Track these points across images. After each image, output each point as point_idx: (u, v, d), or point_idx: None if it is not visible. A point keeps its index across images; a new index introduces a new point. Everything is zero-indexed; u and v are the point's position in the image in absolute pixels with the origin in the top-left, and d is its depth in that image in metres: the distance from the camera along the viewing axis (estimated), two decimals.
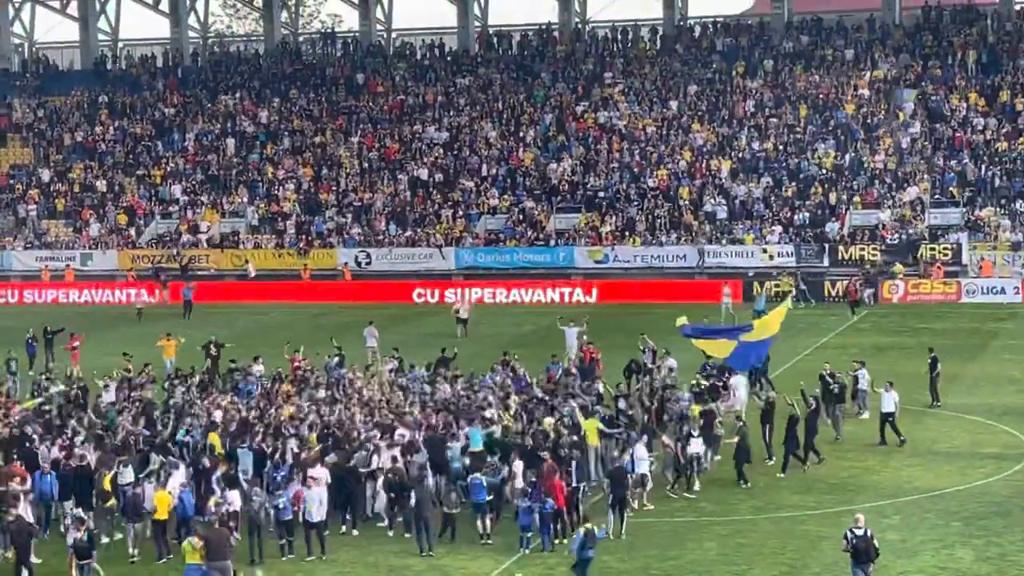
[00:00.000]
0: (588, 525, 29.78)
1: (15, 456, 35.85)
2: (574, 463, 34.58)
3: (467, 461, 35.50)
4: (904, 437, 41.23)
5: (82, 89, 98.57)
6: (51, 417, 40.32)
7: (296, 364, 47.93)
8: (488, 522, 33.30)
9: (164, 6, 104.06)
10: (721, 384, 43.26)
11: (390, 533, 34.05)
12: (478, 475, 33.80)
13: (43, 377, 47.48)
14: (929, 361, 46.52)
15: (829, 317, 63.92)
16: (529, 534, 32.43)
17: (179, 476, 34.09)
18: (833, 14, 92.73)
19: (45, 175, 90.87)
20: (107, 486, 33.80)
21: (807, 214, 75.51)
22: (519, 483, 33.78)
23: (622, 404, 40.62)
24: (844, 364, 46.34)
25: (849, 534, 28.55)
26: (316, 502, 32.26)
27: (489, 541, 32.88)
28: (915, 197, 75.13)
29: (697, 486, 36.77)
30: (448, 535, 33.11)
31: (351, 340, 54.96)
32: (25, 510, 31.97)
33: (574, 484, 33.94)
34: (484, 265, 77.92)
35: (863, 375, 44.26)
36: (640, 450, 35.75)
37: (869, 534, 28.52)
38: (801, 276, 69.85)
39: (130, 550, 32.70)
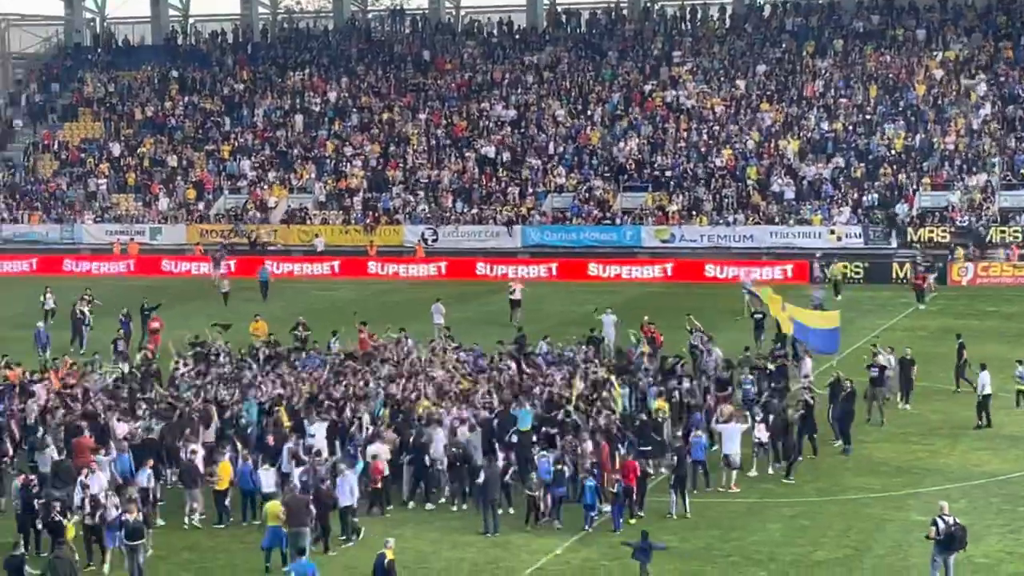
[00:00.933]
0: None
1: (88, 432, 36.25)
2: (635, 441, 34.81)
3: (514, 439, 35.56)
4: (988, 422, 41.04)
5: (153, 64, 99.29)
6: (122, 393, 40.67)
7: (364, 339, 48.13)
8: (550, 501, 33.30)
9: None
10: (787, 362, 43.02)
11: (453, 509, 34.24)
12: (545, 453, 33.85)
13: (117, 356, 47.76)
14: (956, 347, 46.12)
15: (898, 300, 63.43)
16: (594, 513, 32.48)
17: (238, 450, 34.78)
18: None
19: (116, 149, 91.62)
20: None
21: (876, 195, 75.01)
22: (587, 463, 33.83)
23: (686, 384, 40.67)
24: (914, 346, 46.11)
25: (940, 522, 28.03)
26: (347, 488, 32.19)
27: (555, 522, 33.00)
28: (985, 179, 74.48)
29: (754, 471, 36.67)
30: (532, 519, 32.99)
31: (416, 317, 55.22)
32: (101, 485, 32.23)
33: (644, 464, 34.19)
34: (550, 243, 77.90)
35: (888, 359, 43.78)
36: (729, 429, 35.81)
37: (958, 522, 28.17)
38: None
39: (186, 518, 33.42)
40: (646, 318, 50.31)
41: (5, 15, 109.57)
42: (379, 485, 33.88)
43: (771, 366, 42.50)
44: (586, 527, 32.35)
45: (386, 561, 27.57)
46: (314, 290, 70.98)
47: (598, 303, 56.21)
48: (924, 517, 33.06)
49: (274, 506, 30.81)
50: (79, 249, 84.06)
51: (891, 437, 39.84)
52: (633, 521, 32.27)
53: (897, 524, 32.87)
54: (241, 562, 31.01)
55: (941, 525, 28.04)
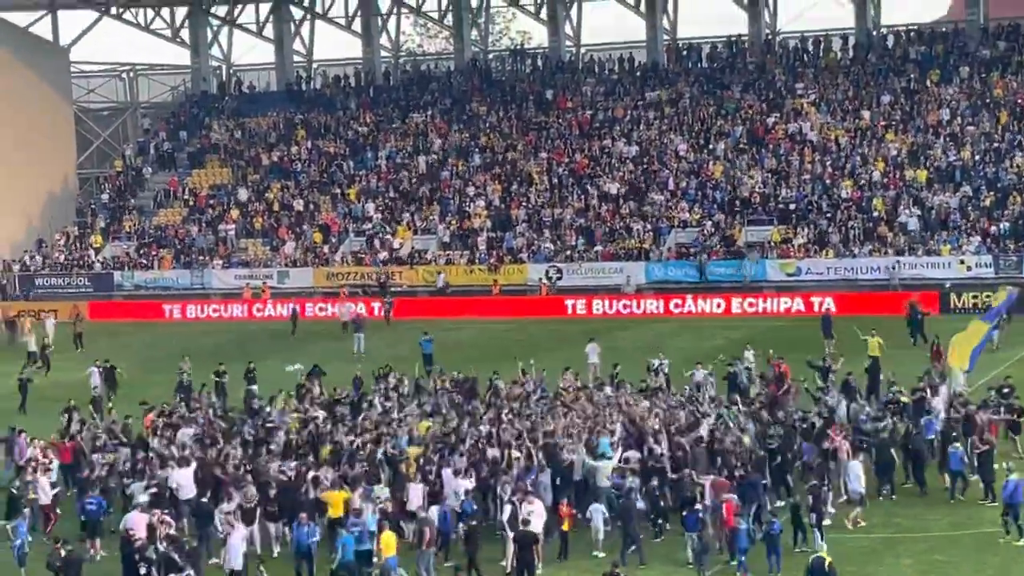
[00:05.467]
0: None
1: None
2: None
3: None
4: None
5: (278, 109, 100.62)
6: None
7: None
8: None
9: (356, 27, 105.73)
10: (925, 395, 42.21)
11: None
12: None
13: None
14: None
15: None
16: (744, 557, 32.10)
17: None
18: None
19: (243, 194, 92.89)
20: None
21: (1007, 224, 73.78)
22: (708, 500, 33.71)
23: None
24: None
25: None
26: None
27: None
28: None
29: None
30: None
31: (549, 355, 55.33)
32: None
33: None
34: (674, 279, 77.57)
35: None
36: (854, 467, 35.46)
37: None
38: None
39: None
40: (772, 351, 49.95)
41: (134, 65, 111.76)
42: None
43: (905, 399, 41.83)
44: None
45: (827, 564, 28.68)
46: (438, 330, 71.21)
47: (724, 337, 55.82)
48: None
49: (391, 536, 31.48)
50: (209, 294, 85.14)
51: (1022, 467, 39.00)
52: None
53: None
54: None
55: None
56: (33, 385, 55.53)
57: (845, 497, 35.60)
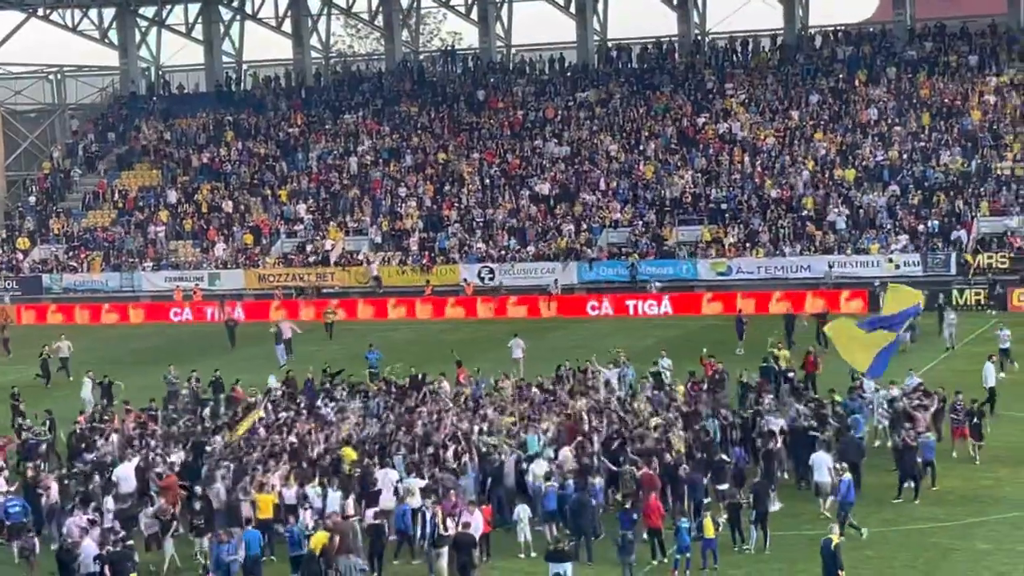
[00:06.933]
0: None
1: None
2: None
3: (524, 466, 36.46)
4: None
5: (207, 111, 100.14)
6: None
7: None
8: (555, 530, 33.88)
9: (287, 28, 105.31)
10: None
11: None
12: (552, 484, 34.67)
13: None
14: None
15: (959, 327, 62.86)
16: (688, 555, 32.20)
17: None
18: (956, 20, 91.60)
19: (172, 196, 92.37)
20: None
21: (936, 222, 74.51)
22: None
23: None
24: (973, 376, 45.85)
25: None
26: None
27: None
28: None
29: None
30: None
31: (479, 354, 55.50)
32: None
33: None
34: (606, 278, 77.84)
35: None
36: (821, 459, 36.02)
37: None
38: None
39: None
40: (705, 351, 50.37)
41: (61, 66, 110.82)
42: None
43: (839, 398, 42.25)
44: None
45: (832, 545, 29.02)
46: (374, 331, 71.18)
47: (656, 337, 56.09)
48: (989, 545, 32.91)
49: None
50: (139, 297, 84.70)
51: (954, 466, 39.43)
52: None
53: (963, 554, 32.60)
54: None
55: None
56: None
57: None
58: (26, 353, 64.53)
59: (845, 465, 35.15)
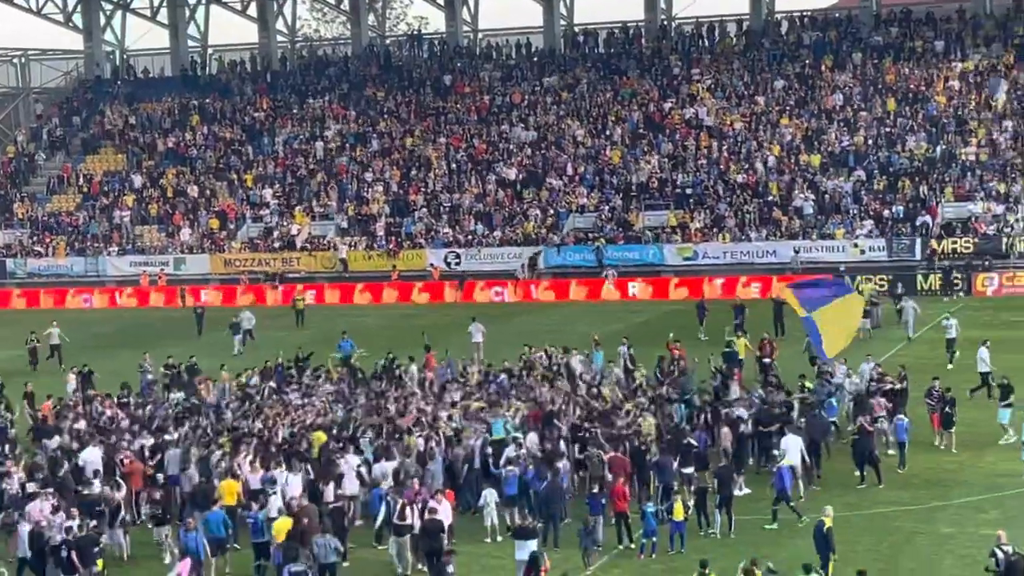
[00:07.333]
0: None
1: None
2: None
3: (489, 450, 36.40)
4: None
5: (173, 95, 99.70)
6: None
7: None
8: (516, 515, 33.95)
9: (252, 12, 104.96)
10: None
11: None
12: (512, 468, 34.72)
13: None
14: None
15: (924, 311, 63.16)
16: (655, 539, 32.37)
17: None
18: (922, 6, 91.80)
19: (138, 181, 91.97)
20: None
21: (901, 207, 74.76)
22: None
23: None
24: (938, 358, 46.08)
25: (999, 553, 27.28)
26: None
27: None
28: (1008, 188, 74.25)
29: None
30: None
31: (446, 339, 55.58)
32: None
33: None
34: (573, 263, 77.88)
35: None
36: (792, 442, 36.15)
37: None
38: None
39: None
40: (672, 335, 50.51)
41: (25, 50, 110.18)
42: None
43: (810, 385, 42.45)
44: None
45: (825, 528, 29.32)
46: (341, 316, 71.09)
47: (624, 322, 56.22)
48: (952, 529, 33.19)
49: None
50: (104, 282, 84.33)
51: (918, 451, 39.61)
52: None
53: (927, 537, 32.80)
54: None
55: (1000, 555, 27.27)
56: None
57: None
58: None
59: (784, 451, 35.34)
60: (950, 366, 49.31)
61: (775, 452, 36.41)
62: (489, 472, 35.96)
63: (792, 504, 33.92)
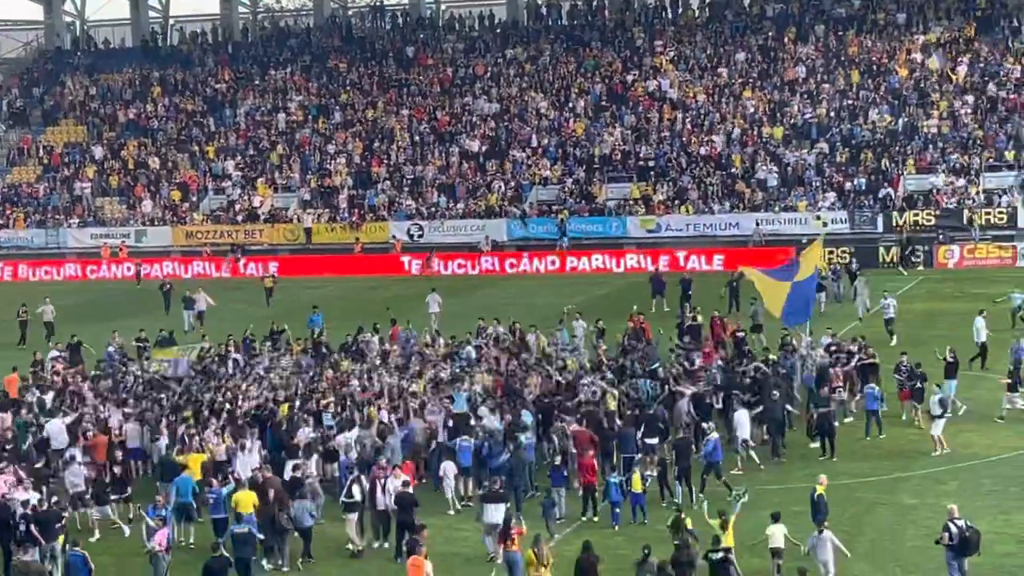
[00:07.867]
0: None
1: None
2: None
3: (450, 423, 36.51)
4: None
5: (134, 66, 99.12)
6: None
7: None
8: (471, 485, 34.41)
9: None
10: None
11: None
12: (466, 439, 34.96)
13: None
14: None
15: (886, 283, 63.39)
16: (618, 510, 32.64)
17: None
18: None
19: (99, 152, 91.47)
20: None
21: (863, 180, 74.97)
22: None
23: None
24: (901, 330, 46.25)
25: (952, 527, 27.39)
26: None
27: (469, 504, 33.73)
28: (969, 161, 74.58)
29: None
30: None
31: (409, 311, 55.62)
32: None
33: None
34: (536, 236, 77.88)
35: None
36: (741, 416, 36.65)
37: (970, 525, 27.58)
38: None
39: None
40: (635, 308, 50.63)
41: None
42: None
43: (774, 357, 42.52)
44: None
45: (816, 494, 30.10)
46: (303, 288, 70.90)
47: (586, 295, 56.30)
48: (914, 500, 33.41)
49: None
50: (65, 254, 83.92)
51: (882, 423, 39.79)
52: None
53: (888, 508, 33.00)
54: None
55: (953, 529, 27.42)
56: None
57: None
58: None
59: (712, 425, 35.56)
60: (892, 343, 49.24)
61: (704, 426, 36.40)
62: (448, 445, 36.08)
63: (723, 478, 34.17)
